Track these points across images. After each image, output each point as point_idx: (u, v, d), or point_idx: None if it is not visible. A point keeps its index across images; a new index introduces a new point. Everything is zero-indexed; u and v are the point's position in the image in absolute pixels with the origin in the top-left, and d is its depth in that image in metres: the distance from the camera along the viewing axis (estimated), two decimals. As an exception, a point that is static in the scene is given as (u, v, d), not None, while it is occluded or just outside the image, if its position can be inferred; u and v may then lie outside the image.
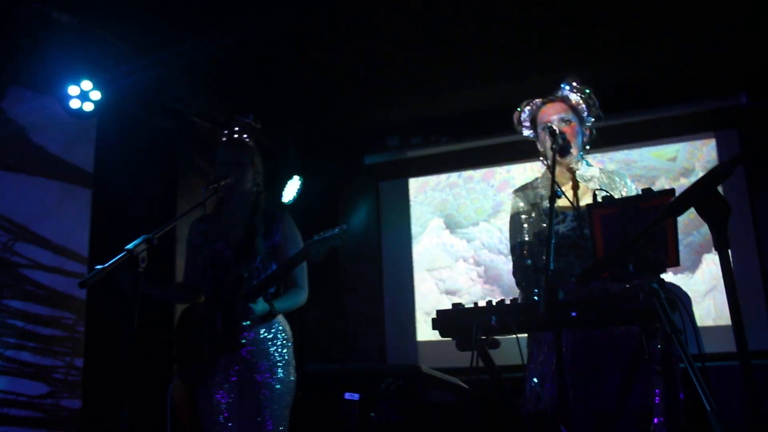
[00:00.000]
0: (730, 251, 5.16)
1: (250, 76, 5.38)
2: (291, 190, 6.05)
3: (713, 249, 5.61)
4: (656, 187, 3.18)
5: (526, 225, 3.09)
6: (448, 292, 6.21)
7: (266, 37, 4.81)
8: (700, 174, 5.52)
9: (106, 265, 2.59)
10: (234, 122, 3.45)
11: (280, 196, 5.97)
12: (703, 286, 5.43)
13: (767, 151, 5.36)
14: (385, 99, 5.98)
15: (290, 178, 6.04)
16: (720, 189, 4.97)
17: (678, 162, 5.74)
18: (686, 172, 5.69)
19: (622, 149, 5.85)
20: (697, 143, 5.76)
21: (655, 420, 2.31)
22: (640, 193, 2.28)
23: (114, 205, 4.73)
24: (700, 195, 1.61)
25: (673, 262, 2.23)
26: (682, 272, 5.43)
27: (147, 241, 2.73)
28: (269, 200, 3.48)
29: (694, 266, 5.49)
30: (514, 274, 3.12)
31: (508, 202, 6.06)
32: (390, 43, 5.02)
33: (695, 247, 5.48)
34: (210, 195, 3.19)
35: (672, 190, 2.26)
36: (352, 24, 4.74)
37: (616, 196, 2.83)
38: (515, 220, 3.17)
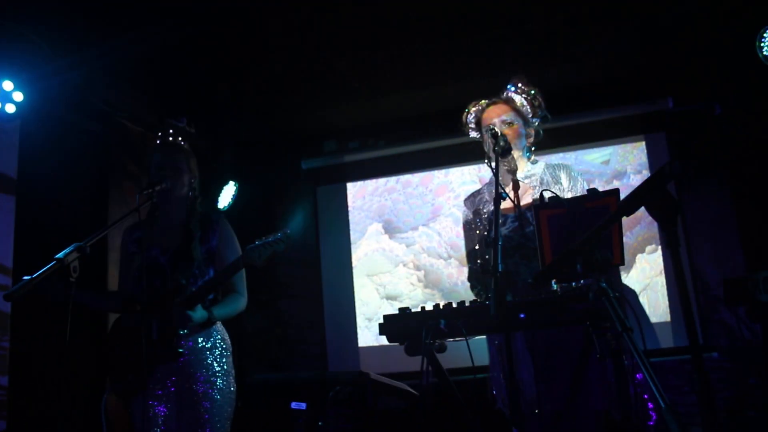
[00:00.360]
0: (660, 249, 5.27)
1: (182, 77, 5.23)
2: (226, 195, 5.94)
3: (646, 249, 5.75)
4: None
5: (474, 232, 3.13)
6: (389, 297, 6.18)
7: (197, 38, 4.68)
8: (632, 176, 5.74)
9: (35, 275, 2.46)
10: (167, 125, 3.36)
11: (216, 201, 5.85)
12: (637, 285, 5.57)
13: (696, 154, 5.56)
14: (322, 103, 5.93)
15: (226, 183, 5.93)
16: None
17: (611, 165, 5.88)
18: (619, 175, 5.83)
19: (557, 152, 5.96)
20: (628, 146, 5.91)
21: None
22: (587, 188, 2.32)
23: (40, 213, 4.51)
24: (649, 194, 1.62)
25: (618, 260, 2.27)
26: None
27: (79, 250, 2.61)
28: (204, 206, 3.39)
29: (628, 266, 5.62)
30: (469, 279, 3.15)
31: (446, 206, 6.13)
32: (325, 46, 4.97)
33: (629, 248, 5.62)
34: (145, 201, 3.09)
35: (616, 191, 2.29)
36: (286, 26, 4.66)
37: (557, 190, 2.88)
38: (466, 228, 3.24)
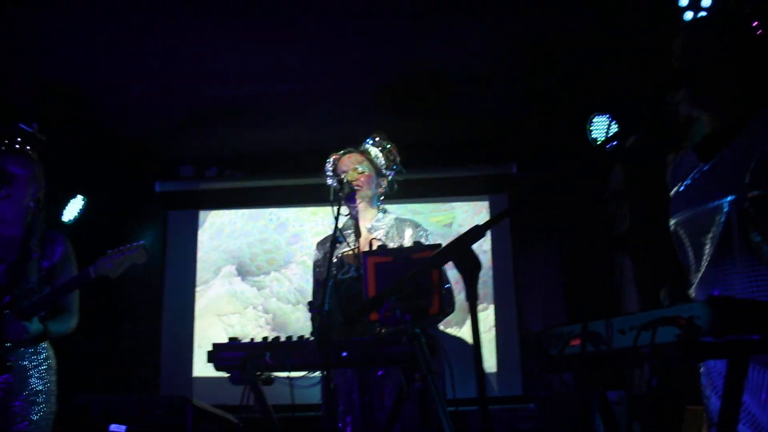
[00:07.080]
0: (493, 306, 5.64)
1: (34, 81, 5.00)
2: (73, 208, 5.73)
3: (478, 308, 6.05)
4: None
5: (320, 274, 3.29)
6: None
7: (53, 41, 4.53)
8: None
9: None
10: (16, 130, 3.26)
11: (61, 214, 5.63)
12: (470, 338, 5.89)
13: (528, 218, 6.04)
14: (182, 128, 5.87)
15: (73, 196, 5.73)
16: (489, 249, 5.43)
17: (453, 228, 6.25)
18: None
19: (405, 203, 6.22)
20: (472, 206, 6.31)
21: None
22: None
23: None
24: (456, 251, 1.82)
25: (436, 309, 2.47)
26: (452, 326, 5.87)
27: None
28: (48, 218, 3.30)
29: (461, 322, 5.92)
30: (312, 320, 3.27)
31: (299, 255, 6.27)
32: (194, 76, 4.99)
33: (462, 306, 5.92)
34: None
35: (439, 244, 2.51)
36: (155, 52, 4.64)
37: (399, 243, 3.09)
38: (314, 271, 3.41)
